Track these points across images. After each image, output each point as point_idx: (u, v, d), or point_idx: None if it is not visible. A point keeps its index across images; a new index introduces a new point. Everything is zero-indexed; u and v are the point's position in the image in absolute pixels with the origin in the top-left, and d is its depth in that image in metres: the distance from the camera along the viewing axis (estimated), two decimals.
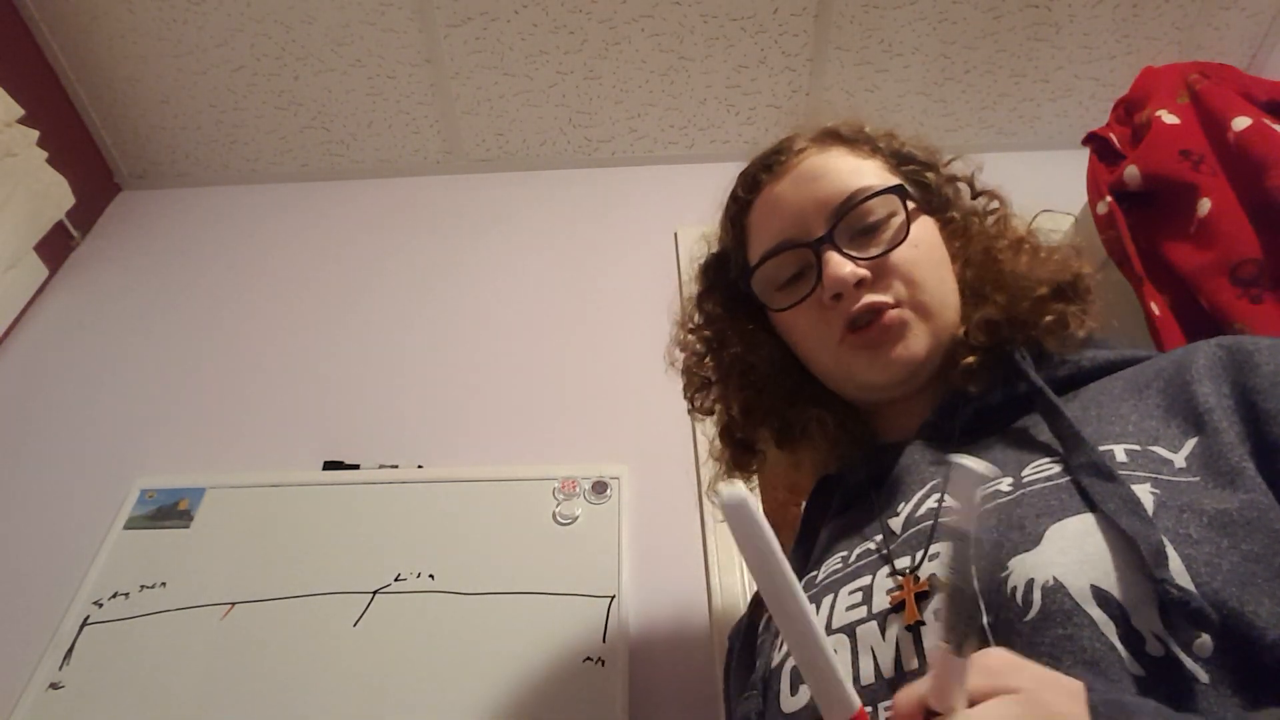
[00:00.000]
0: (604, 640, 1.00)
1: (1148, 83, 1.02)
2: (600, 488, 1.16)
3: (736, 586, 1.06)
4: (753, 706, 0.53)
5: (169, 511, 1.16)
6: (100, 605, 1.07)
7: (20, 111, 1.41)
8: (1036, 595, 0.40)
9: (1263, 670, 0.35)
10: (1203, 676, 0.35)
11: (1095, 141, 1.03)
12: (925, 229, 0.61)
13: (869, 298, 0.57)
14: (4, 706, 0.99)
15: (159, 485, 1.20)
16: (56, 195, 1.51)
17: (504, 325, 1.42)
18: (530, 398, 1.30)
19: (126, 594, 1.08)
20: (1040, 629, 0.39)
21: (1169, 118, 0.93)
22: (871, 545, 0.54)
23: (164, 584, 1.09)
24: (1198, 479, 0.41)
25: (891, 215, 0.59)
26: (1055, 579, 0.39)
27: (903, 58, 1.58)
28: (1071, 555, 0.40)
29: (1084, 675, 0.36)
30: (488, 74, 1.60)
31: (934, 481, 0.53)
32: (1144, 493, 0.41)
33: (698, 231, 1.52)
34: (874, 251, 0.58)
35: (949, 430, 0.57)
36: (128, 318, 1.49)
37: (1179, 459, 0.43)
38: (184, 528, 1.14)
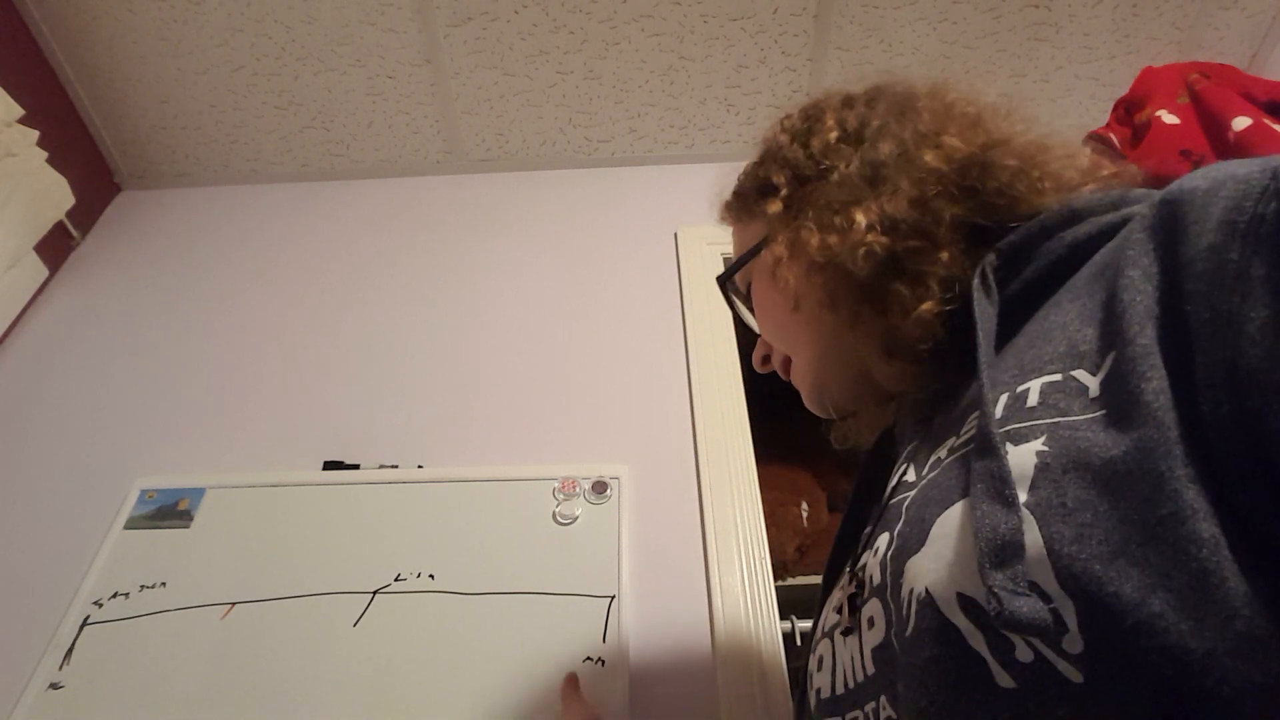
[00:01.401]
0: (604, 640, 1.00)
1: (1148, 83, 1.02)
2: (600, 488, 1.16)
3: (736, 586, 1.06)
4: (796, 704, 0.54)
5: (169, 511, 1.16)
6: (100, 605, 1.07)
7: (20, 111, 1.41)
8: (913, 609, 0.36)
9: (1131, 660, 0.29)
10: (1075, 676, 0.30)
11: (1095, 141, 1.03)
12: (763, 285, 0.59)
13: (775, 368, 0.63)
14: (4, 706, 0.99)
15: (159, 485, 1.20)
16: (56, 195, 1.51)
17: (504, 325, 1.42)
18: (530, 398, 1.31)
19: (126, 594, 1.08)
20: (915, 648, 0.36)
21: (1169, 118, 0.93)
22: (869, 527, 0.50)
23: (164, 584, 1.09)
24: (1103, 413, 0.33)
25: (747, 287, 0.62)
26: (926, 589, 0.35)
27: (903, 58, 1.58)
28: (945, 557, 0.35)
29: (946, 703, 0.34)
30: (488, 74, 1.60)
31: (911, 445, 0.48)
32: (1030, 454, 0.34)
33: (698, 231, 1.53)
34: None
35: (943, 390, 0.49)
36: (128, 318, 1.49)
37: (1095, 385, 0.34)
38: (184, 528, 1.14)
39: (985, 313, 0.42)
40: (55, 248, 1.56)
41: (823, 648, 0.48)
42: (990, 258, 0.45)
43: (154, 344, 1.43)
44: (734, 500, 1.15)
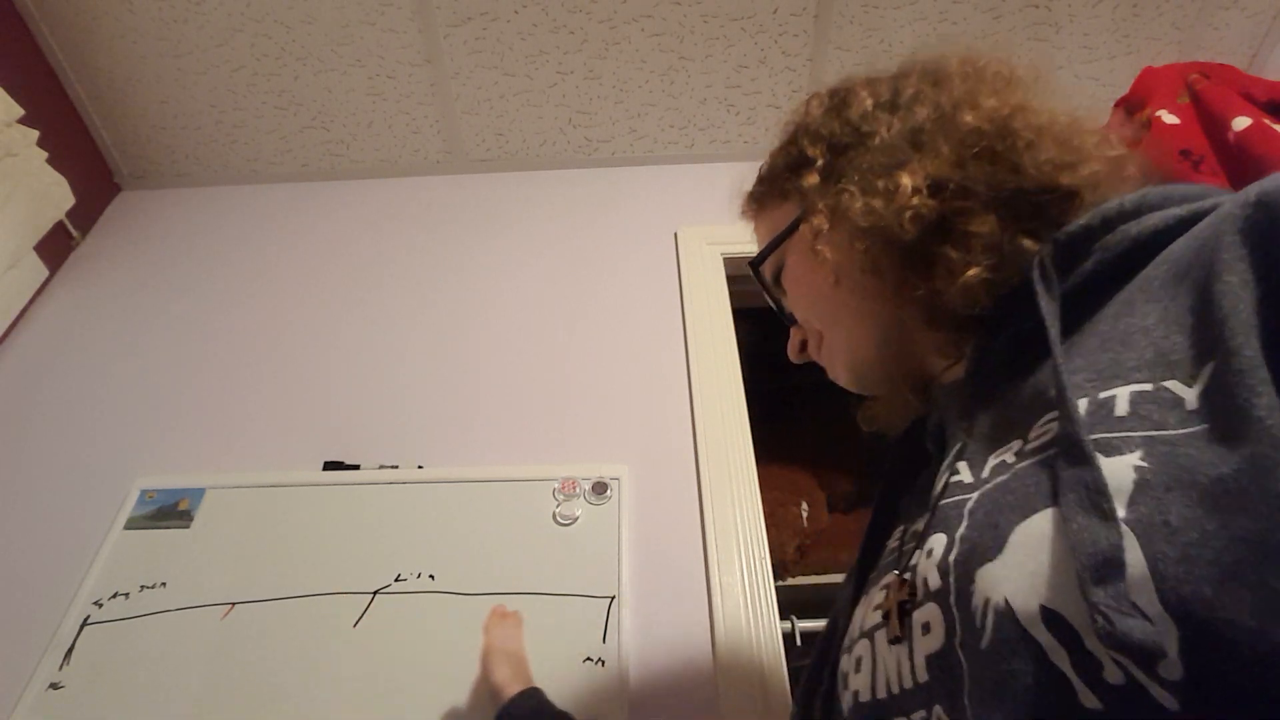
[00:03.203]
0: (604, 640, 1.00)
1: (1148, 83, 1.02)
2: (600, 488, 1.16)
3: (736, 586, 1.06)
4: (822, 706, 0.52)
5: (169, 511, 1.16)
6: (100, 605, 1.07)
7: (20, 111, 1.41)
8: (990, 619, 0.35)
9: (1241, 692, 0.27)
10: (1171, 704, 0.28)
11: None
12: (800, 262, 0.58)
13: (812, 355, 0.62)
14: (4, 706, 0.99)
15: (159, 485, 1.20)
16: (56, 195, 1.51)
17: (504, 325, 1.42)
18: (530, 398, 1.30)
19: (126, 594, 1.08)
20: (992, 660, 0.34)
21: (1169, 118, 0.93)
22: (920, 526, 0.47)
23: (164, 584, 1.09)
24: (1204, 427, 0.31)
25: (778, 273, 0.61)
26: (1006, 600, 0.34)
27: (903, 58, 1.58)
28: (1028, 567, 0.34)
29: (1033, 718, 0.32)
30: (488, 74, 1.60)
31: (959, 444, 0.46)
32: (1127, 466, 0.32)
33: (698, 231, 1.53)
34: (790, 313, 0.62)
35: (983, 372, 0.47)
36: (128, 318, 1.49)
37: (1192, 397, 0.32)
38: (184, 528, 1.14)
39: (1050, 308, 0.41)
40: (55, 248, 1.56)
41: (861, 648, 0.46)
42: (1046, 249, 0.43)
43: (154, 344, 1.43)
44: (734, 500, 1.15)
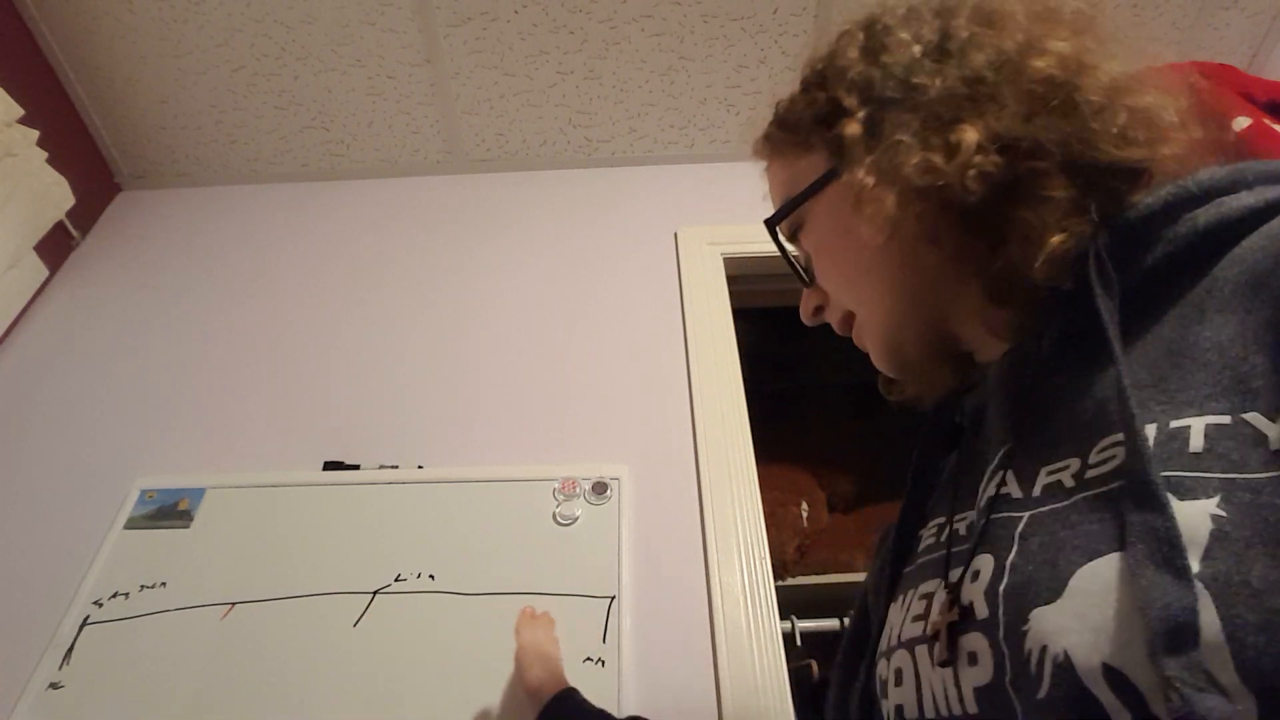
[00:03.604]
0: (604, 640, 1.00)
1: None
2: (600, 488, 1.16)
3: (736, 586, 1.06)
4: (857, 702, 0.51)
5: (169, 511, 1.16)
6: (100, 605, 1.07)
7: (20, 111, 1.41)
8: (1048, 669, 0.32)
9: None
10: None
11: None
12: (831, 222, 0.51)
13: (830, 320, 0.56)
14: (4, 706, 0.99)
15: (159, 485, 1.20)
16: (56, 195, 1.51)
17: (504, 325, 1.42)
18: (530, 398, 1.30)
19: (126, 594, 1.08)
20: (1047, 713, 0.32)
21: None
22: (961, 528, 0.45)
23: (164, 584, 1.09)
24: None
25: (797, 230, 0.54)
26: (1066, 653, 0.31)
27: None
28: (1091, 618, 0.31)
29: None
30: (488, 74, 1.59)
31: (1005, 448, 0.42)
32: (1203, 515, 0.29)
33: (698, 231, 1.53)
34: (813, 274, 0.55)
35: (1035, 356, 0.42)
36: (128, 318, 1.49)
37: (1276, 435, 0.29)
38: (184, 528, 1.14)
39: (1108, 307, 0.36)
40: (55, 248, 1.56)
41: (900, 659, 0.44)
42: (1103, 237, 0.38)
43: (154, 344, 1.43)
44: (734, 500, 1.15)
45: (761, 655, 1.00)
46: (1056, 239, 0.39)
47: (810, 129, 0.52)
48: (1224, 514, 0.29)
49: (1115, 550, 0.31)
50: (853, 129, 0.47)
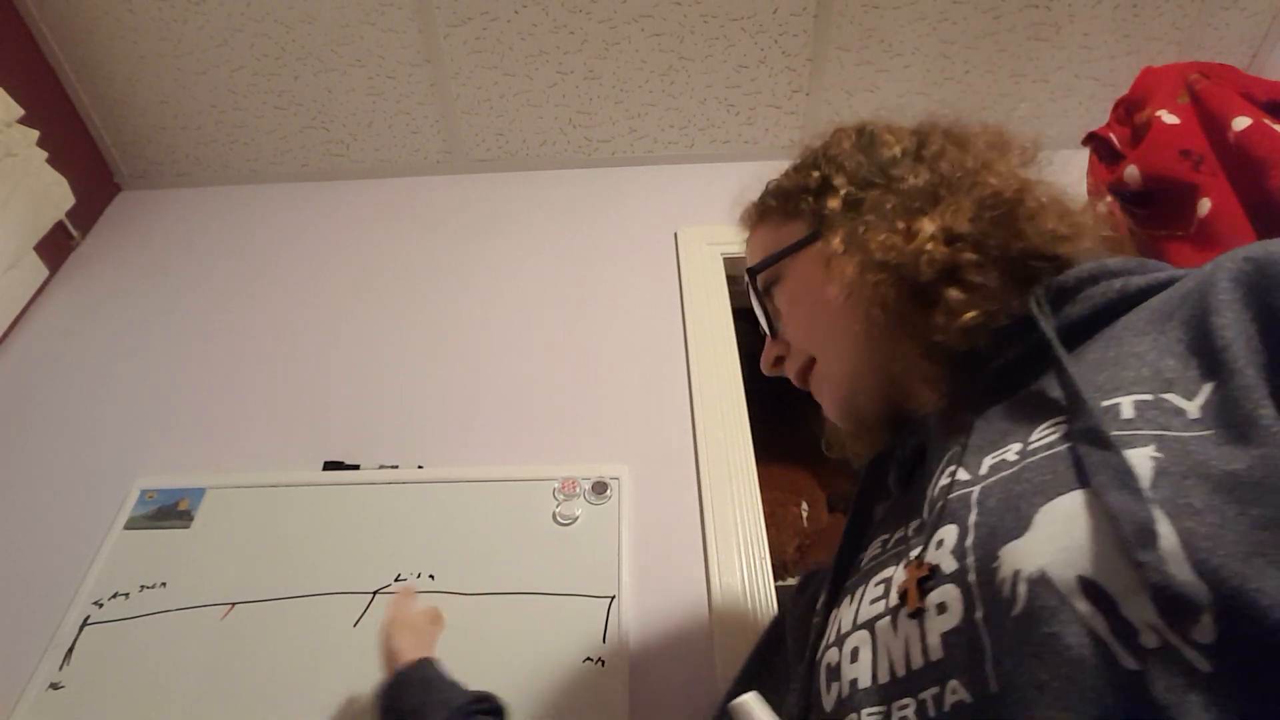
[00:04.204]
0: (604, 640, 1.00)
1: (1148, 83, 1.02)
2: (600, 488, 1.16)
3: (737, 586, 1.06)
4: (795, 700, 0.54)
5: (169, 511, 1.16)
6: (100, 605, 1.07)
7: (20, 111, 1.41)
8: (1022, 589, 0.38)
9: (1270, 654, 0.31)
10: (1204, 665, 0.32)
11: (1095, 141, 1.03)
12: (803, 280, 0.62)
13: (788, 372, 0.66)
14: (4, 706, 0.99)
15: (159, 485, 1.20)
16: (56, 195, 1.51)
17: (504, 325, 1.42)
18: (530, 398, 1.30)
19: (126, 594, 1.08)
20: (1026, 626, 0.37)
21: (1169, 118, 0.93)
22: (908, 532, 0.52)
23: (164, 584, 1.09)
24: (1211, 432, 0.37)
25: (772, 285, 0.65)
26: (1041, 570, 0.37)
27: (903, 58, 1.58)
28: (1059, 541, 0.37)
29: (1071, 676, 0.35)
30: (488, 74, 1.60)
31: (951, 451, 0.50)
32: (1144, 457, 0.37)
33: (698, 231, 1.53)
34: (778, 328, 0.66)
35: (970, 399, 0.52)
36: (128, 318, 1.49)
37: (1193, 408, 0.38)
38: (184, 528, 1.14)
39: (1050, 329, 0.47)
40: (55, 248, 1.56)
41: (857, 639, 0.48)
42: (1040, 290, 0.50)
43: (154, 344, 1.44)
44: (734, 500, 1.15)
45: None
46: (970, 315, 0.50)
47: (799, 199, 0.63)
48: (1161, 456, 0.37)
49: (1077, 489, 0.38)
50: (834, 202, 0.59)
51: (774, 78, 1.61)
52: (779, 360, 0.67)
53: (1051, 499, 0.39)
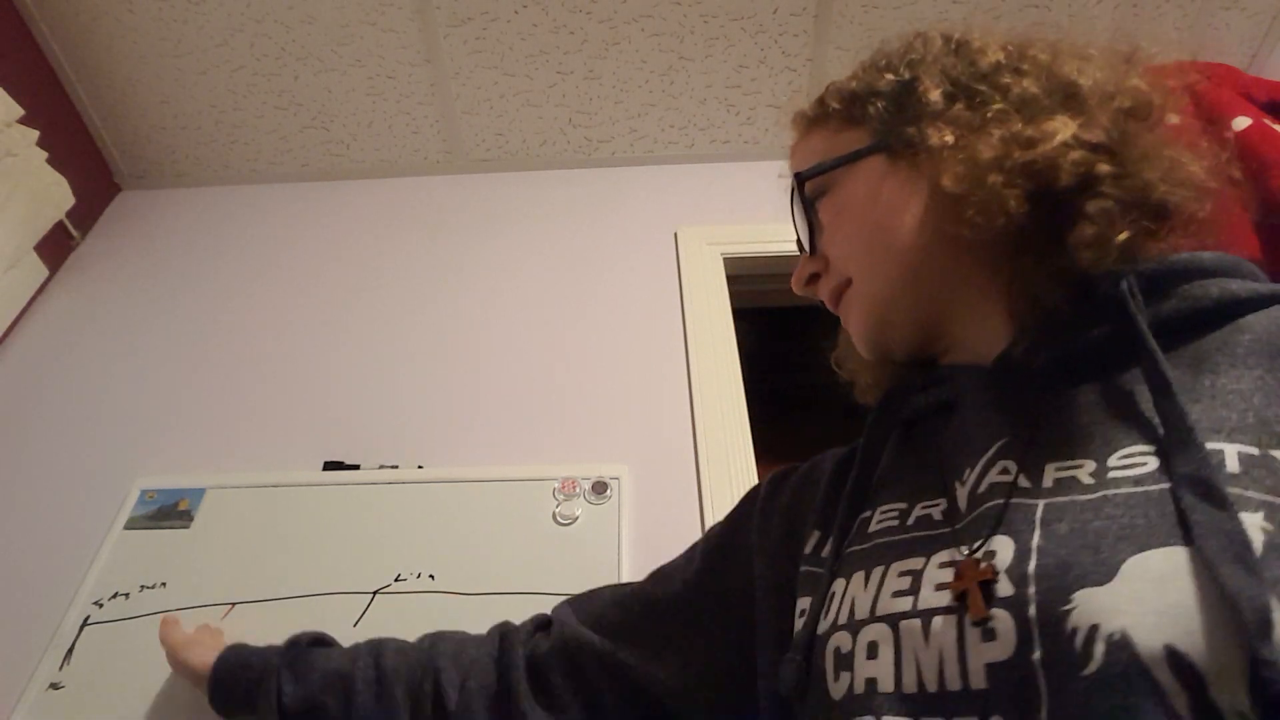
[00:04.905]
0: None
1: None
2: (600, 488, 1.15)
3: None
4: (793, 673, 0.48)
5: (169, 511, 1.16)
6: (100, 605, 1.07)
7: (20, 111, 1.41)
8: (1099, 648, 0.33)
9: None
10: None
11: None
12: (862, 187, 0.54)
13: (820, 292, 0.59)
14: (4, 706, 0.99)
15: (159, 485, 1.20)
16: (56, 195, 1.51)
17: (504, 325, 1.42)
18: (530, 398, 1.30)
19: (126, 594, 1.08)
20: (1098, 690, 0.33)
21: (1169, 118, 0.93)
22: (934, 514, 0.46)
23: (164, 584, 1.09)
24: None
25: (820, 195, 0.57)
26: (1124, 631, 0.33)
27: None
28: (1150, 603, 0.33)
29: None
30: (488, 74, 1.60)
31: (1003, 440, 0.44)
32: (1255, 526, 0.32)
33: (698, 231, 1.53)
34: (818, 244, 0.58)
35: (1029, 367, 0.45)
36: (128, 318, 1.49)
37: None
38: (184, 528, 1.14)
39: (1144, 326, 0.41)
40: (55, 248, 1.56)
41: (876, 632, 0.43)
42: (1131, 277, 0.43)
43: (154, 344, 1.43)
44: (734, 500, 1.14)
45: None
46: (1124, 235, 0.43)
47: (865, 103, 0.55)
48: (1271, 527, 0.32)
49: (1175, 545, 0.33)
50: (934, 95, 0.51)
51: (774, 78, 1.61)
52: (813, 279, 0.59)
53: (1143, 550, 0.34)
